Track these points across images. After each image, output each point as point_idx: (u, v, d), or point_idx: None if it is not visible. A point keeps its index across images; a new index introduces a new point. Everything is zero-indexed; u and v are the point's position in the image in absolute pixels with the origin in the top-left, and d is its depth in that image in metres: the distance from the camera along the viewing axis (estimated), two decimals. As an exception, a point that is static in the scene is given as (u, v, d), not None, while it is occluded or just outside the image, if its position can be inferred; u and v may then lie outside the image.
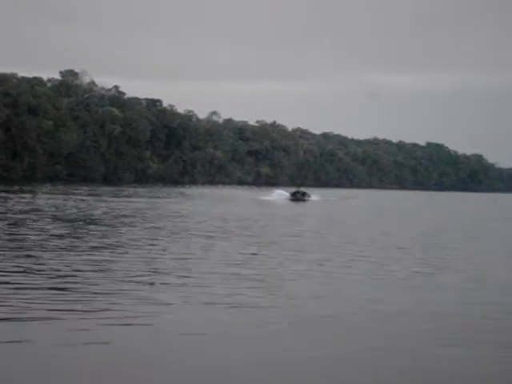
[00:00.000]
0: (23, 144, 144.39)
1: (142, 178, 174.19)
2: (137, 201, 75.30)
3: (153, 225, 43.79)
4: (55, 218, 45.24)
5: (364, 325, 17.34)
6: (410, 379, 13.28)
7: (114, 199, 76.15)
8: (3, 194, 73.59)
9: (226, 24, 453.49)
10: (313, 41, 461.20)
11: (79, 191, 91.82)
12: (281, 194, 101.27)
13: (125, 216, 50.08)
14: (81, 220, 45.31)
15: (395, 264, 29.18)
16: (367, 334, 16.39)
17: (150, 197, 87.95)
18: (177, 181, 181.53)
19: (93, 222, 44.24)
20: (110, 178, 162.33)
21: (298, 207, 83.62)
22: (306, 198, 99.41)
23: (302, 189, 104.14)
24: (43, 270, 23.08)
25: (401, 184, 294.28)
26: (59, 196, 77.10)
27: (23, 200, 64.71)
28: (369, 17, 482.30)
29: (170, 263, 26.42)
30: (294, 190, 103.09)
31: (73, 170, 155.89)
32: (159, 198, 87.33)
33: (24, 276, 21.89)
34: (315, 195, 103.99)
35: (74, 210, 54.20)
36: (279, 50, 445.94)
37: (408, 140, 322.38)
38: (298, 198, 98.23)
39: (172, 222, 47.43)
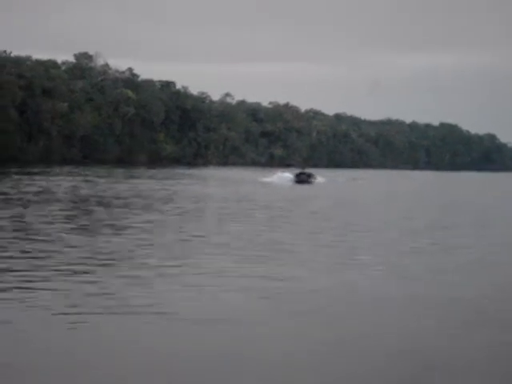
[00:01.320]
0: (38, 126, 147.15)
1: (156, 160, 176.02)
2: (147, 182, 78.13)
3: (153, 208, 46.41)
4: (62, 200, 47.98)
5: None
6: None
7: (126, 181, 78.97)
8: (20, 176, 76.46)
9: (239, 6, 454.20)
10: (324, 23, 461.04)
11: (93, 173, 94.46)
12: (284, 176, 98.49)
13: (125, 198, 52.58)
14: (83, 202, 48.00)
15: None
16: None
17: (160, 179, 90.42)
18: (190, 162, 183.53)
19: (99, 204, 46.97)
20: (125, 160, 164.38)
21: (299, 189, 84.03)
22: (311, 179, 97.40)
23: (308, 170, 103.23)
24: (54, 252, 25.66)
25: (414, 164, 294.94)
26: (76, 178, 79.86)
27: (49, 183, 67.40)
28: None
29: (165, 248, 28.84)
30: (298, 171, 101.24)
31: (88, 152, 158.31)
32: (169, 179, 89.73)
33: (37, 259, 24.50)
34: (322, 177, 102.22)
35: (84, 192, 56.83)
36: (291, 32, 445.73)
37: (421, 120, 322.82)
38: (302, 179, 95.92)
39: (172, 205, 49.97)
